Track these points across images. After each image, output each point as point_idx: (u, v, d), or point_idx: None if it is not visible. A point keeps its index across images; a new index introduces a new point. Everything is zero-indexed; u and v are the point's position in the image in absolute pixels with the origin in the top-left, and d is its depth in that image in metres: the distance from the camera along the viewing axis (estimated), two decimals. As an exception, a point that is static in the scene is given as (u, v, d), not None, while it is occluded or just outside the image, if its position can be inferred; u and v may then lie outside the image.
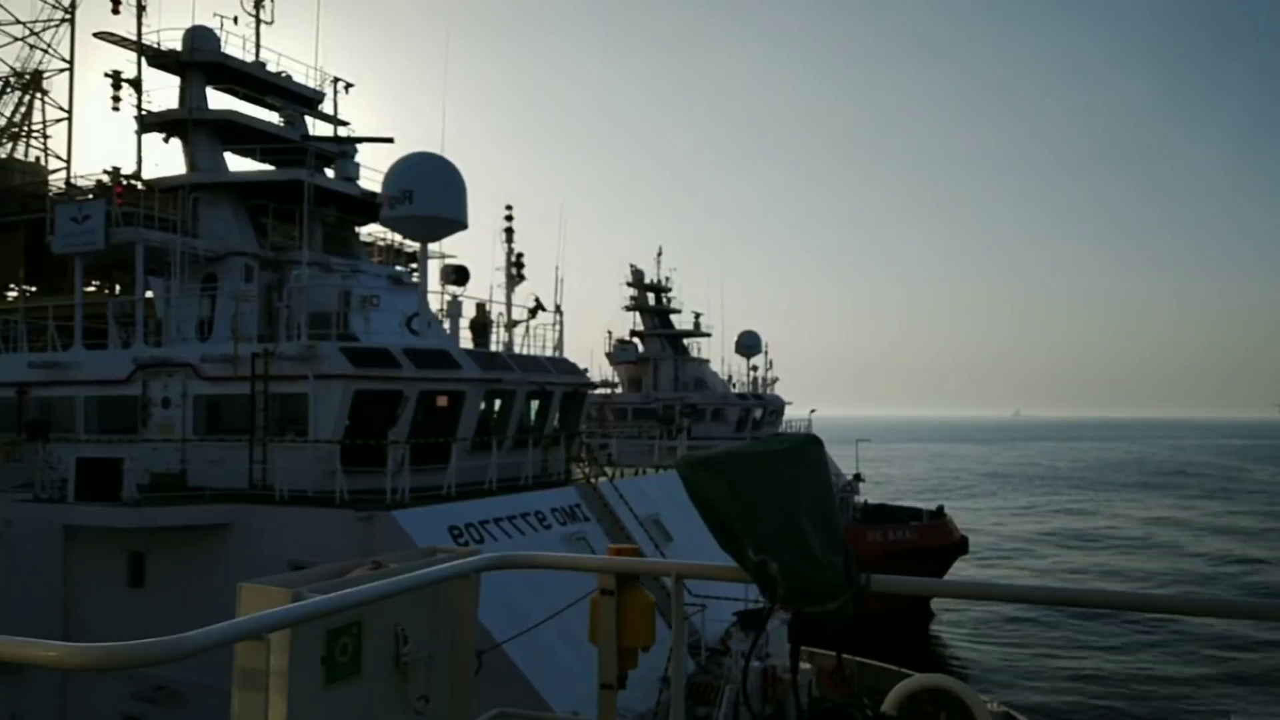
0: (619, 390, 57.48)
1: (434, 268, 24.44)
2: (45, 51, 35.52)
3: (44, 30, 35.52)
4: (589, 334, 61.85)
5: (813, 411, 63.29)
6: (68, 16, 35.17)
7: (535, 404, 22.38)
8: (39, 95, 36.04)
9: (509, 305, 22.29)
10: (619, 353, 59.72)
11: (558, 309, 23.52)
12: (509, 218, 22.56)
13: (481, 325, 22.29)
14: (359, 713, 3.54)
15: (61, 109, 35.83)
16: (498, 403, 20.99)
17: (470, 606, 4.18)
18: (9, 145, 35.24)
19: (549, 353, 23.98)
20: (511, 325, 22.33)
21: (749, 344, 59.55)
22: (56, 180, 30.88)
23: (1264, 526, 79.22)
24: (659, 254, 61.85)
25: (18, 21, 35.56)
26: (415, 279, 25.37)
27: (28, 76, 35.82)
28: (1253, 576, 57.06)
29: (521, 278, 22.25)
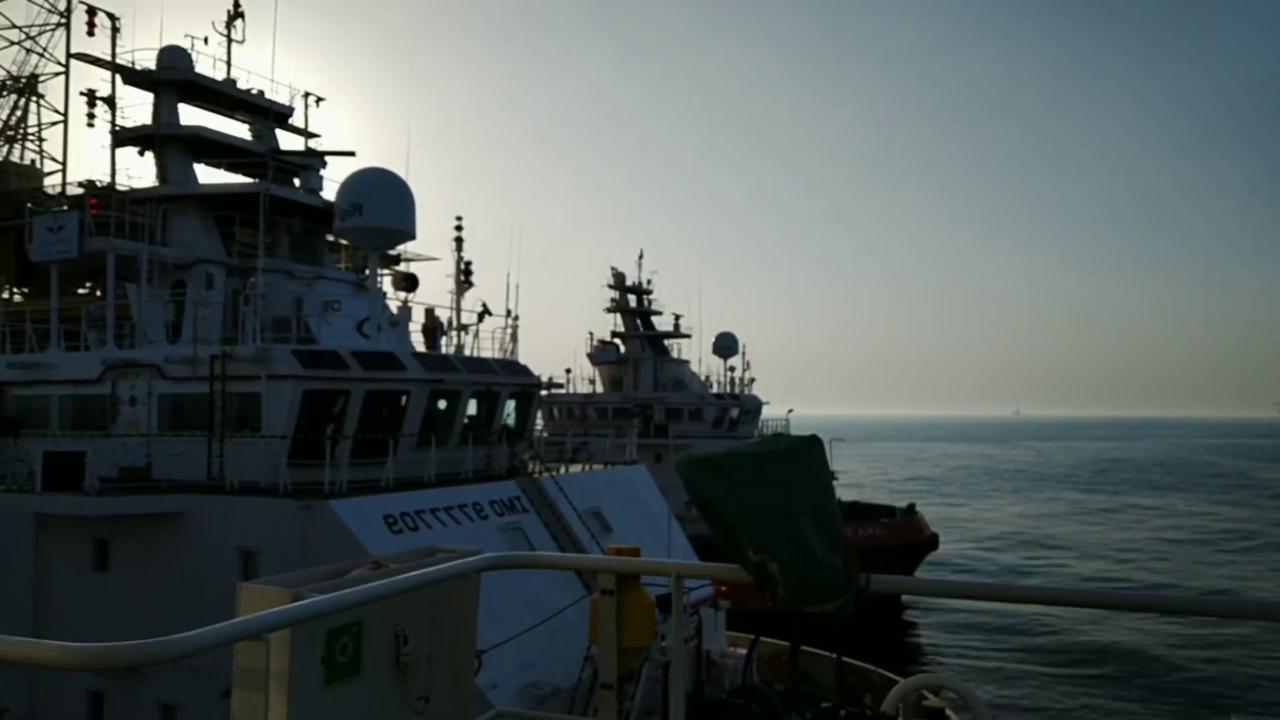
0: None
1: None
2: (41, 55, 36.38)
3: (40, 34, 36.49)
4: (573, 335, 63.32)
5: (790, 411, 64.57)
6: (63, 21, 36.13)
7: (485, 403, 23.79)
8: (35, 99, 36.99)
9: (458, 310, 23.75)
10: (600, 354, 61.17)
11: (508, 313, 24.92)
12: (459, 228, 24.01)
13: (430, 329, 23.73)
14: (359, 713, 3.55)
15: (57, 112, 36.81)
16: (445, 402, 22.40)
17: (470, 606, 4.15)
18: (5, 149, 36.23)
19: (507, 355, 25.35)
20: (460, 329, 23.76)
21: (726, 345, 60.87)
22: (52, 183, 32.03)
23: (1259, 525, 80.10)
24: (640, 256, 63.28)
25: (14, 26, 36.50)
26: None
27: (24, 80, 36.79)
28: (1249, 575, 57.90)
29: (470, 284, 23.68)
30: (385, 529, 17.74)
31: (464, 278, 23.62)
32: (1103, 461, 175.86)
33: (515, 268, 29.79)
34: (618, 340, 62.14)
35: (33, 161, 36.30)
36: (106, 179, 26.19)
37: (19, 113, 36.98)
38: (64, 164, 34.82)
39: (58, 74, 36.45)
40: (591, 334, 61.89)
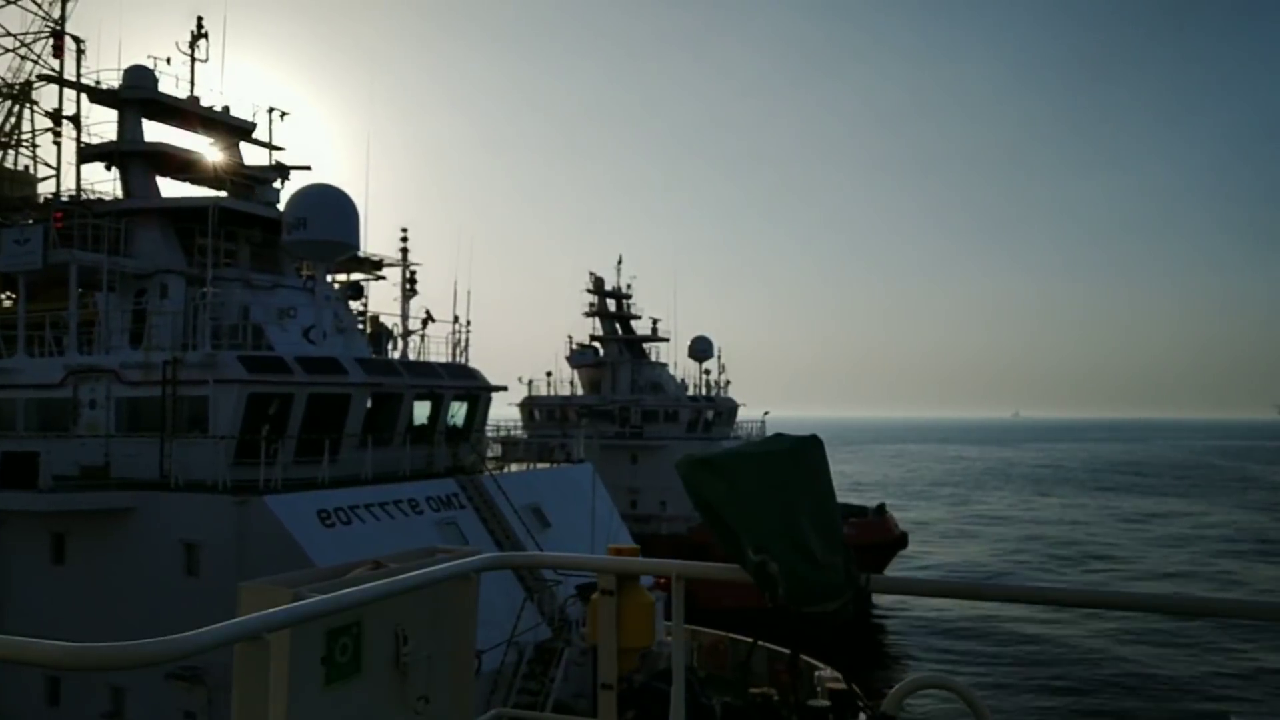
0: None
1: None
2: (35, 62, 37.13)
3: (34, 42, 37.21)
4: (558, 337, 64.56)
5: (766, 413, 65.76)
6: (57, 28, 36.85)
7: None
8: (29, 105, 37.78)
9: (404, 316, 24.97)
10: (578, 357, 62.44)
11: (456, 319, 26.16)
12: (404, 238, 25.27)
13: (375, 335, 24.96)
14: (359, 713, 3.56)
15: (61, 114, 37.30)
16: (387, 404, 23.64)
17: (470, 606, 4.19)
18: None
19: (457, 359, 26.57)
20: (406, 334, 24.99)
21: (701, 349, 62.08)
22: (45, 190, 32.91)
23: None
24: (619, 262, 64.51)
25: (9, 34, 37.28)
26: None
27: (17, 87, 37.65)
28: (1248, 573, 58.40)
29: (414, 292, 24.93)
30: (318, 523, 18.99)
31: (409, 285, 24.86)
32: (1101, 462, 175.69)
33: (466, 275, 31.11)
34: (596, 344, 63.39)
35: (26, 168, 37.21)
36: (92, 190, 27.44)
37: (13, 119, 37.84)
38: (57, 170, 35.69)
39: (55, 72, 37.14)
40: (570, 337, 63.19)
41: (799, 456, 3.67)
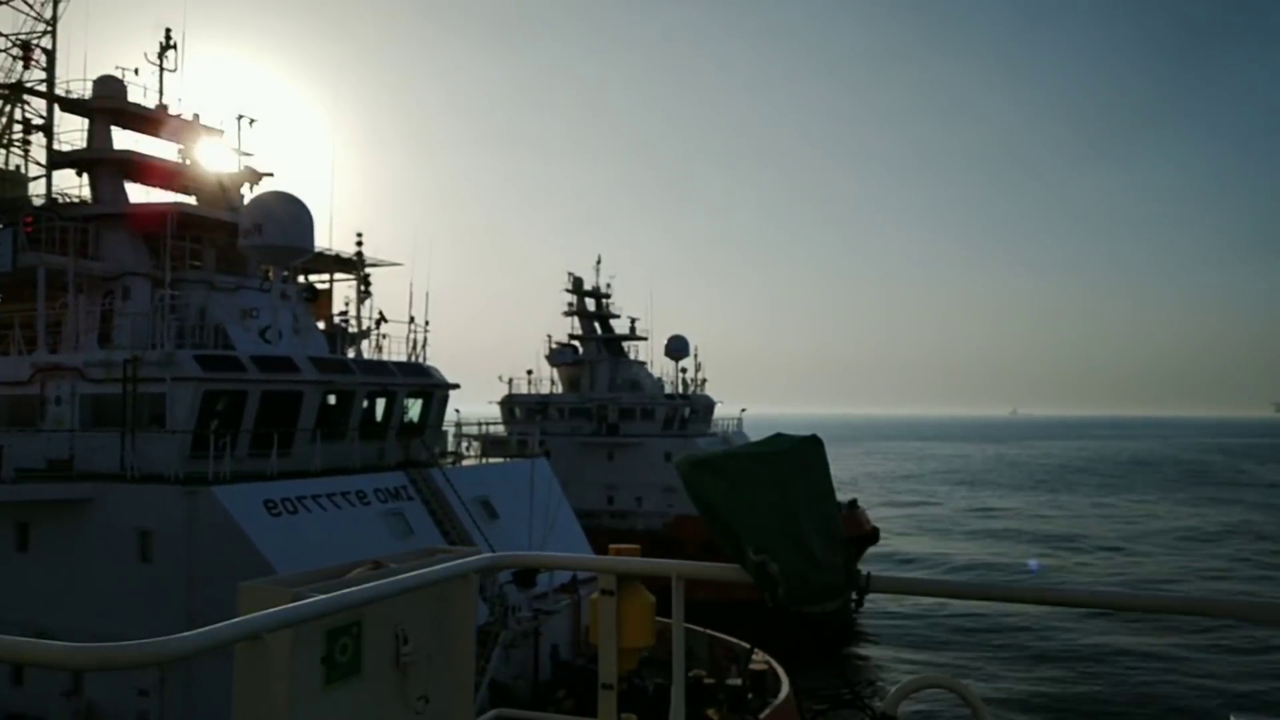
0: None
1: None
2: (30, 63, 37.69)
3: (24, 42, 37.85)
4: (540, 337, 65.54)
5: (743, 410, 66.84)
6: (49, 29, 37.71)
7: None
8: (21, 106, 38.53)
9: (359, 318, 26.14)
10: (557, 355, 63.53)
11: (412, 319, 27.28)
12: (359, 243, 26.41)
13: (330, 335, 26.10)
14: (359, 713, 3.57)
15: (42, 117, 38.09)
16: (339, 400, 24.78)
17: (470, 606, 4.21)
18: None
19: (416, 358, 27.69)
20: (361, 334, 26.13)
21: (677, 348, 63.15)
22: (37, 191, 33.89)
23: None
24: (598, 262, 65.59)
25: (1, 35, 37.97)
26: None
27: (9, 87, 38.44)
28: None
29: (369, 294, 26.08)
30: (265, 512, 20.13)
31: (364, 288, 26.00)
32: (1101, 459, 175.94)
33: (426, 277, 32.29)
34: (576, 342, 64.48)
35: (17, 167, 38.06)
36: (64, 194, 28.57)
37: (4, 119, 38.61)
38: (49, 170, 36.45)
39: (43, 80, 38.01)
40: (549, 336, 64.31)
41: (799, 457, 3.70)
